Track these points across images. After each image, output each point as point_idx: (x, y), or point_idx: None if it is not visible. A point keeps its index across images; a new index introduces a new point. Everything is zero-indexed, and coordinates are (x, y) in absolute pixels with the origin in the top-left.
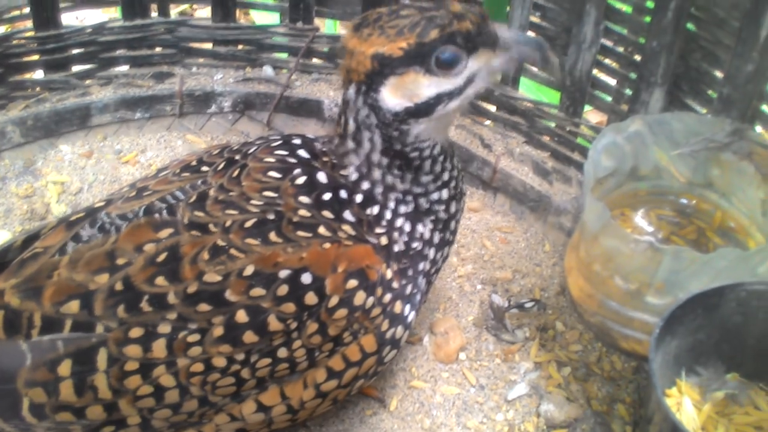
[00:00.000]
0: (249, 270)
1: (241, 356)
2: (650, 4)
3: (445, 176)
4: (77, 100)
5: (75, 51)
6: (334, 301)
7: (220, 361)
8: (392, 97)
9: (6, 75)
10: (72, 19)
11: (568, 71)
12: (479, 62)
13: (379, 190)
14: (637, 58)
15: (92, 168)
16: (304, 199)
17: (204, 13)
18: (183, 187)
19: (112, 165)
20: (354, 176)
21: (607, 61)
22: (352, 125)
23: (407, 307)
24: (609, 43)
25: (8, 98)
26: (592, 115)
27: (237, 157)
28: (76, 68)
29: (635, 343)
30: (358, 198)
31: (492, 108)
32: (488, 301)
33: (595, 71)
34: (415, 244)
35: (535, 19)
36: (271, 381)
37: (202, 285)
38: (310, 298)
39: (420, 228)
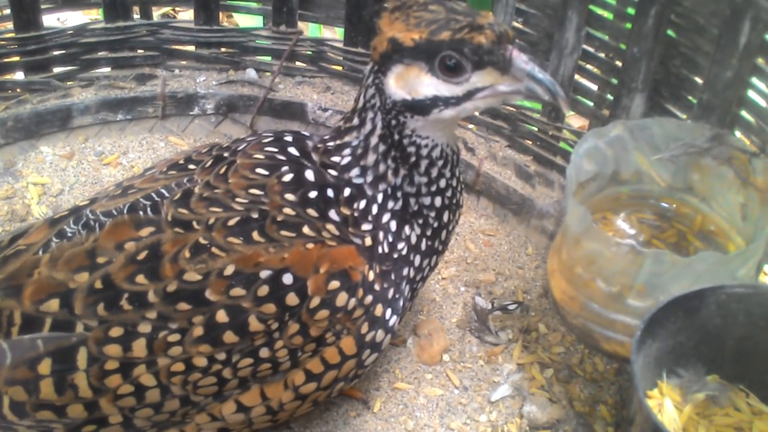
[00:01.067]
0: (229, 269)
1: (222, 356)
2: (631, 11)
3: (442, 183)
4: (58, 102)
5: (56, 52)
6: (315, 302)
7: (200, 361)
8: (395, 85)
9: None
10: (53, 20)
11: (550, 76)
12: (484, 80)
13: (369, 178)
14: (619, 63)
15: (74, 169)
16: (290, 196)
17: (187, 15)
18: (168, 185)
19: (93, 167)
20: (347, 159)
21: (589, 66)
22: (361, 101)
23: (388, 311)
24: (590, 49)
25: None
26: (573, 119)
27: (225, 155)
28: (58, 70)
29: (617, 345)
30: (346, 192)
31: (475, 112)
32: (472, 303)
33: (576, 76)
34: (401, 246)
35: (517, 24)
36: (254, 381)
37: (182, 284)
38: (291, 299)
39: (407, 230)
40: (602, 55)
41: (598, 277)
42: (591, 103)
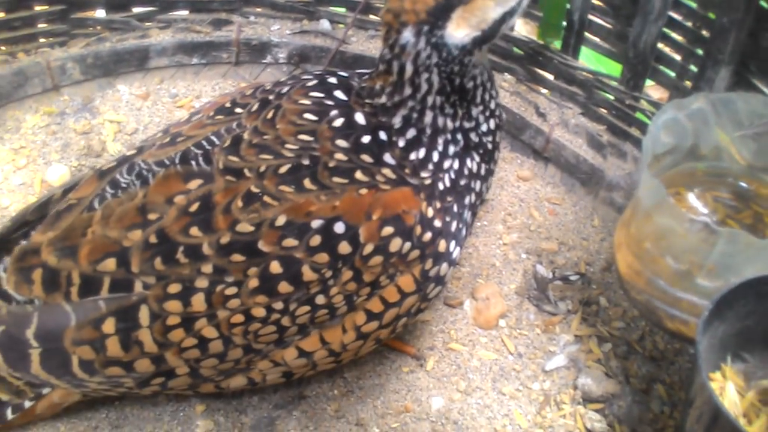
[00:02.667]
0: (281, 220)
1: (279, 305)
2: None
3: (492, 104)
4: (136, 42)
5: None
6: (368, 248)
7: (259, 312)
8: (458, 30)
9: (68, 12)
10: None
11: (632, 43)
12: None
13: (426, 134)
14: (705, 33)
15: (148, 110)
16: (342, 142)
17: None
18: (217, 131)
19: (167, 108)
20: (399, 124)
21: (674, 35)
22: (409, 69)
23: (452, 244)
24: (677, 17)
25: (69, 35)
26: (653, 90)
27: (271, 98)
28: (137, 10)
29: (681, 324)
30: (401, 143)
31: (550, 76)
32: (532, 271)
33: (659, 45)
34: (463, 181)
35: None
36: (312, 327)
37: (235, 235)
38: (344, 248)
39: (468, 162)
40: (689, 24)
41: (667, 254)
42: (673, 74)
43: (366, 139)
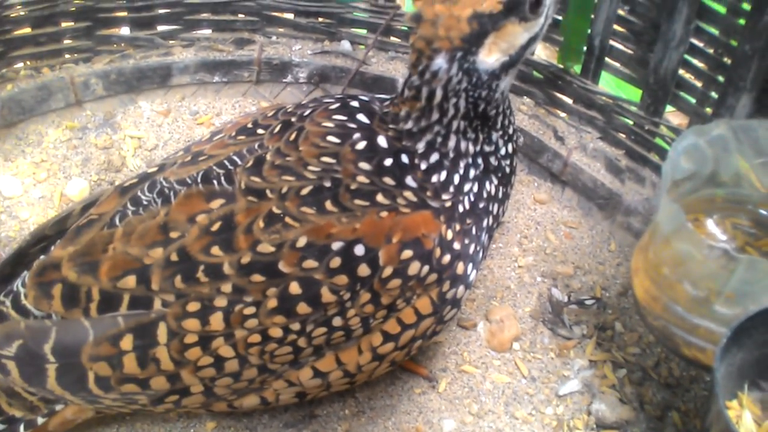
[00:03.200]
0: (302, 241)
1: (296, 326)
2: (746, 6)
3: (510, 129)
4: (159, 59)
5: (161, 11)
6: (387, 271)
7: (276, 332)
8: (489, 56)
9: (94, 29)
10: None
11: (653, 69)
12: None
13: (449, 157)
14: (727, 60)
15: (169, 126)
16: (365, 165)
17: None
18: (239, 151)
19: (187, 125)
20: (423, 149)
21: (695, 61)
22: (439, 95)
23: (470, 266)
24: (699, 43)
25: (94, 51)
26: (672, 116)
27: (293, 120)
28: (161, 28)
29: (698, 351)
30: (423, 165)
31: (569, 100)
32: (547, 294)
33: (680, 71)
34: (482, 204)
35: (621, 12)
36: (328, 348)
37: (255, 255)
38: (363, 270)
39: (487, 186)
40: (710, 50)
41: (685, 280)
42: (693, 100)
43: (388, 161)
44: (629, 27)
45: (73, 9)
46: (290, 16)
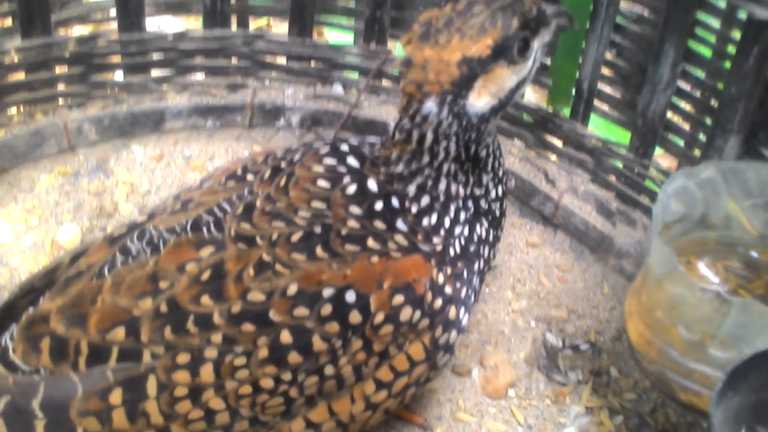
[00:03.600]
0: (292, 289)
1: (287, 376)
2: (731, 50)
3: (500, 172)
4: (153, 104)
5: (155, 56)
6: (379, 318)
7: (267, 383)
8: (479, 99)
9: (87, 74)
10: (154, 26)
11: (641, 111)
12: (539, 41)
13: (440, 201)
14: (714, 103)
15: (162, 171)
16: (355, 209)
17: (279, 29)
18: (229, 198)
19: (180, 170)
20: (413, 192)
21: (682, 104)
22: (429, 138)
23: (461, 310)
24: (685, 86)
25: (88, 97)
26: (662, 159)
27: (283, 165)
28: (155, 73)
29: (694, 396)
30: (414, 209)
31: (559, 143)
32: (542, 339)
33: (668, 114)
34: (473, 247)
35: (609, 56)
36: (320, 398)
37: (246, 304)
38: (354, 317)
39: (478, 229)
40: (697, 93)
41: (679, 323)
42: (682, 143)
43: (379, 205)
44: (617, 70)
45: (68, 55)
46: (283, 60)
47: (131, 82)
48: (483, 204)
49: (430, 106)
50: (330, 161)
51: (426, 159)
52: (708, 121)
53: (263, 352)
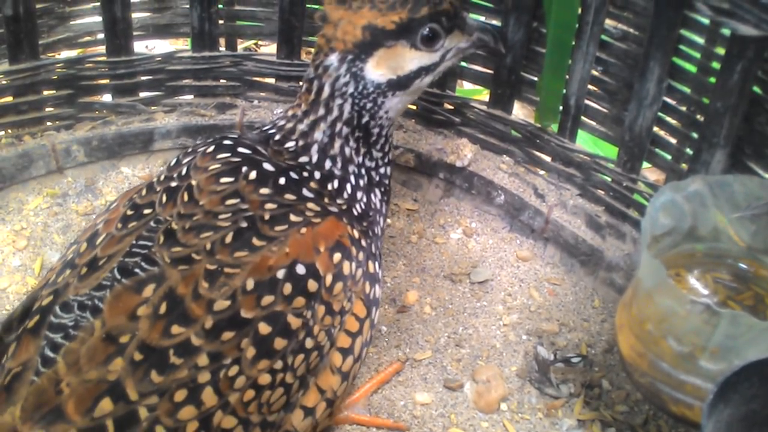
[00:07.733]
0: (250, 284)
1: (279, 364)
2: (716, 65)
3: (390, 155)
4: (142, 125)
5: (144, 78)
6: (329, 279)
7: (265, 378)
8: (377, 68)
9: (76, 96)
10: (142, 47)
11: (628, 126)
12: (452, 42)
13: (338, 164)
14: (700, 118)
15: None
16: (265, 189)
17: (268, 50)
18: (140, 235)
19: None
20: (316, 156)
21: (668, 119)
22: (326, 91)
23: (376, 265)
24: (671, 101)
25: (76, 119)
26: (649, 172)
27: (173, 184)
28: (144, 94)
29: (685, 407)
30: (317, 175)
31: (547, 158)
32: (533, 353)
33: (655, 128)
34: (371, 213)
35: (595, 72)
36: (309, 375)
37: (216, 315)
38: (312, 285)
39: (373, 198)
40: (683, 108)
41: (669, 336)
42: (669, 157)
43: (282, 180)
44: (603, 87)
45: (55, 77)
46: (271, 80)
47: (120, 103)
48: (374, 175)
49: (332, 59)
50: (222, 155)
51: (321, 111)
52: (694, 135)
53: (251, 352)
